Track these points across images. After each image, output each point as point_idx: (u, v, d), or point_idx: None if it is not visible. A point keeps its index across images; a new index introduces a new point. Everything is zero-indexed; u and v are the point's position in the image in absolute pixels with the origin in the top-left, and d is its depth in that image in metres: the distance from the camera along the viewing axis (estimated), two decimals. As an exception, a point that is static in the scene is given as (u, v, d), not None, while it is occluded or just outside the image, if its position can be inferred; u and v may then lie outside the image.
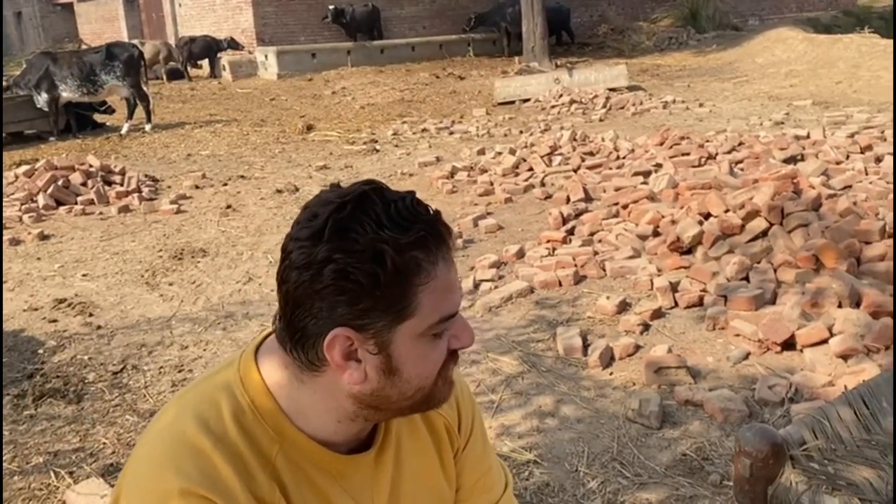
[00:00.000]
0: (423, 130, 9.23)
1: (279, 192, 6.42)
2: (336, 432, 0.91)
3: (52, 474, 2.58)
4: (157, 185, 6.99)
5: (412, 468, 1.01)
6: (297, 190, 6.40)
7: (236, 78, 15.46)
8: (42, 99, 9.42)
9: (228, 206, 6.03)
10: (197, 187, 6.77)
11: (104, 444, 2.77)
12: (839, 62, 11.20)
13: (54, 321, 3.93)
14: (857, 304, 3.09)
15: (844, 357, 2.83)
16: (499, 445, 2.63)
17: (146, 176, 7.11)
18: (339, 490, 0.92)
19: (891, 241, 3.54)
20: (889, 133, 6.47)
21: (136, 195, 6.34)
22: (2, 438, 2.76)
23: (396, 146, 8.40)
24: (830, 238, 3.59)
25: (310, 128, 9.60)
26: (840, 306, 3.09)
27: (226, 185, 6.85)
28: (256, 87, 14.30)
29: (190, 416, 0.86)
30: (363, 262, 0.79)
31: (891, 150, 5.66)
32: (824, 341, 2.94)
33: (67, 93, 9.46)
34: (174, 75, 15.73)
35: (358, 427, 0.92)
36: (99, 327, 3.84)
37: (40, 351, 3.58)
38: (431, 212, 0.85)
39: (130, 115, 10.02)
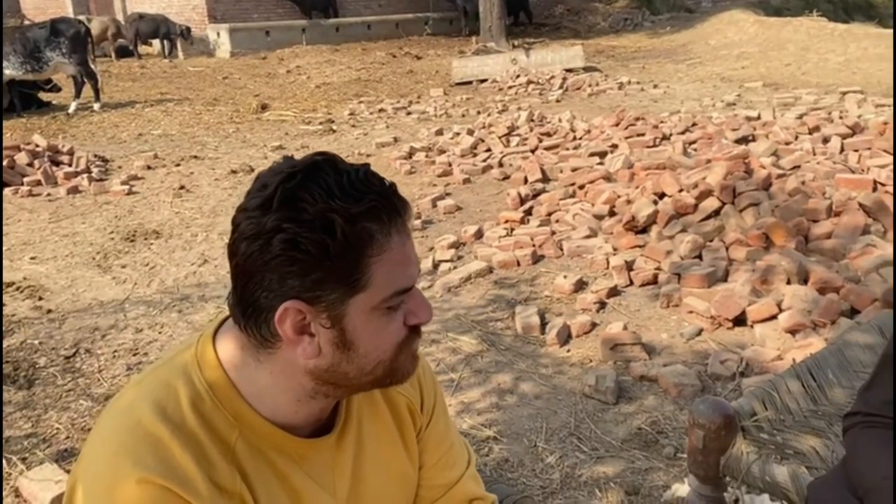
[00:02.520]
0: (380, 110, 9.17)
1: (234, 172, 6.33)
2: (297, 413, 0.89)
3: (3, 461, 2.52)
4: (108, 165, 6.81)
5: (374, 449, 1.00)
6: (252, 170, 6.30)
7: (188, 56, 15.11)
8: (-17, 76, 9.07)
9: (182, 187, 5.91)
10: (149, 168, 6.62)
11: (57, 429, 2.71)
12: (789, 45, 11.44)
13: (2, 305, 3.82)
14: (805, 281, 3.19)
15: (792, 332, 2.92)
16: (459, 423, 2.65)
17: (96, 156, 6.92)
18: (300, 473, 0.91)
19: (836, 220, 3.65)
20: (836, 115, 6.64)
21: (85, 176, 6.17)
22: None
23: (353, 126, 8.33)
24: (780, 217, 3.69)
25: (264, 107, 9.45)
26: (789, 283, 3.19)
27: (179, 165, 6.72)
28: (209, 65, 13.99)
29: (147, 403, 0.84)
30: (313, 231, 0.77)
31: (837, 130, 5.80)
32: (773, 317, 3.03)
33: (10, 70, 9.11)
34: (123, 53, 15.28)
35: (319, 406, 0.91)
36: (49, 311, 3.74)
37: (-12, 336, 3.49)
38: (386, 183, 0.84)
39: (78, 94, 9.71)
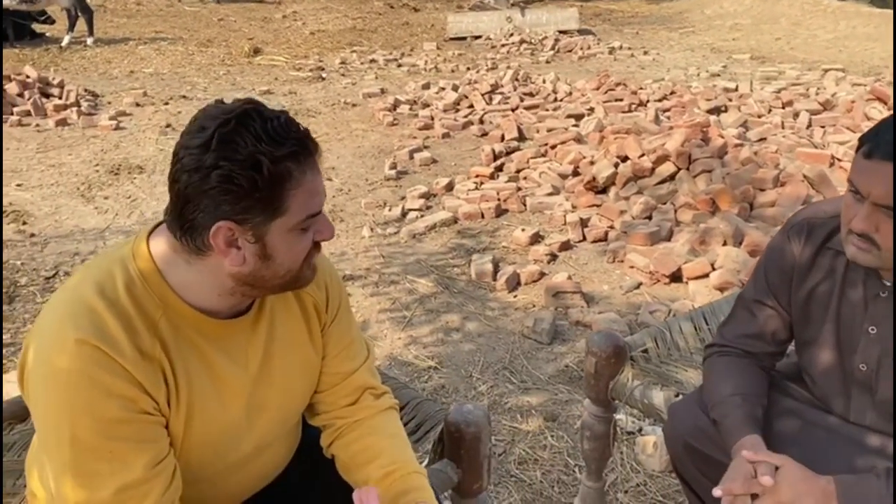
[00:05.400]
0: (372, 61, 9.25)
1: (220, 114, 6.47)
2: (216, 303, 1.10)
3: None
4: (97, 100, 6.93)
5: (284, 336, 1.21)
6: (238, 113, 6.44)
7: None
8: (-23, 4, 9.09)
9: (168, 126, 6.06)
10: (137, 105, 6.75)
11: (35, 340, 2.93)
12: (781, 19, 11.50)
13: (2, 231, 4.01)
14: (740, 244, 3.41)
15: (721, 289, 3.15)
16: (405, 354, 2.89)
17: (86, 90, 7.04)
18: (217, 350, 1.12)
19: (781, 189, 3.86)
20: (813, 91, 6.80)
21: (74, 109, 6.30)
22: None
23: (343, 75, 8.43)
24: (729, 184, 3.90)
25: (257, 51, 9.51)
26: (725, 244, 3.41)
27: (167, 104, 6.85)
28: (205, 5, 13.94)
29: (89, 284, 1.05)
30: (244, 169, 0.98)
31: (809, 106, 5.98)
32: (706, 275, 3.26)
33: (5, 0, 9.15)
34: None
35: (236, 300, 1.12)
36: (32, 235, 3.94)
37: (-27, 255, 3.69)
38: (302, 129, 1.05)
39: (71, 28, 9.74)
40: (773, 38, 10.63)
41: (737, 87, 6.96)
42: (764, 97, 6.40)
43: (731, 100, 6.32)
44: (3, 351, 2.87)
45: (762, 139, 5.22)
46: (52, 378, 0.98)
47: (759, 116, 5.85)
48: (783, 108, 6.12)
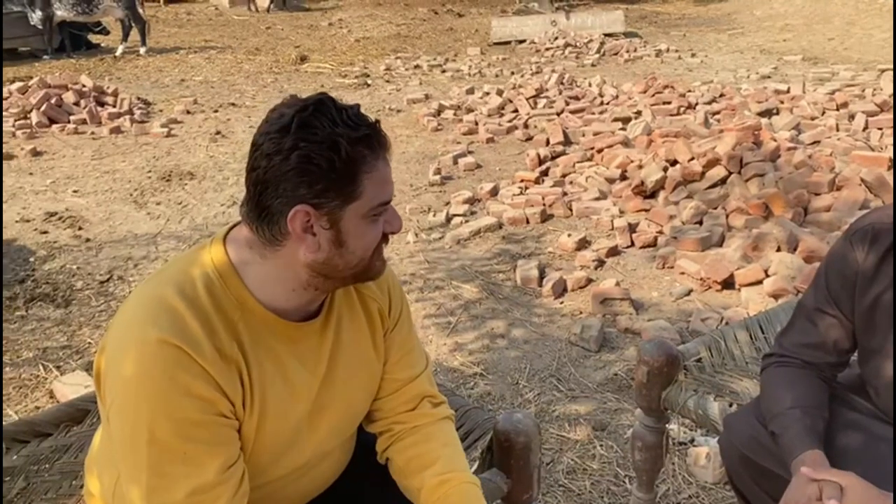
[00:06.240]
0: (416, 67, 9.29)
1: (268, 121, 6.57)
2: (290, 300, 1.10)
3: (41, 367, 2.82)
4: (149, 108, 7.10)
5: (349, 341, 1.22)
6: (285, 120, 6.53)
7: (233, 4, 15.31)
8: (36, 16, 9.40)
9: (218, 133, 6.17)
10: (188, 112, 6.89)
11: (90, 343, 3.01)
12: (835, 18, 11.20)
13: (45, 233, 4.14)
14: (794, 250, 3.32)
15: (775, 296, 3.06)
16: (450, 360, 2.88)
17: (139, 98, 7.22)
18: (288, 352, 1.13)
19: (837, 193, 3.75)
20: (869, 91, 6.60)
21: (128, 117, 6.46)
22: (1, 351, 2.99)
23: (388, 81, 8.48)
24: (782, 188, 3.79)
25: (303, 59, 9.64)
26: (778, 250, 3.32)
27: (216, 111, 6.97)
28: (253, 14, 14.19)
29: (168, 284, 1.06)
30: (323, 149, 0.99)
31: (865, 108, 5.80)
32: (759, 282, 3.17)
33: (62, 11, 9.44)
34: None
35: (309, 296, 1.12)
36: (88, 240, 4.05)
37: (31, 259, 3.80)
38: (373, 120, 1.06)
39: (125, 38, 10.02)
40: (825, 38, 10.36)
41: (788, 88, 6.79)
42: (817, 99, 6.23)
43: (782, 102, 6.17)
44: (60, 353, 2.94)
45: (816, 142, 5.07)
46: (131, 378, 0.99)
47: (813, 119, 5.70)
48: (837, 109, 5.95)
